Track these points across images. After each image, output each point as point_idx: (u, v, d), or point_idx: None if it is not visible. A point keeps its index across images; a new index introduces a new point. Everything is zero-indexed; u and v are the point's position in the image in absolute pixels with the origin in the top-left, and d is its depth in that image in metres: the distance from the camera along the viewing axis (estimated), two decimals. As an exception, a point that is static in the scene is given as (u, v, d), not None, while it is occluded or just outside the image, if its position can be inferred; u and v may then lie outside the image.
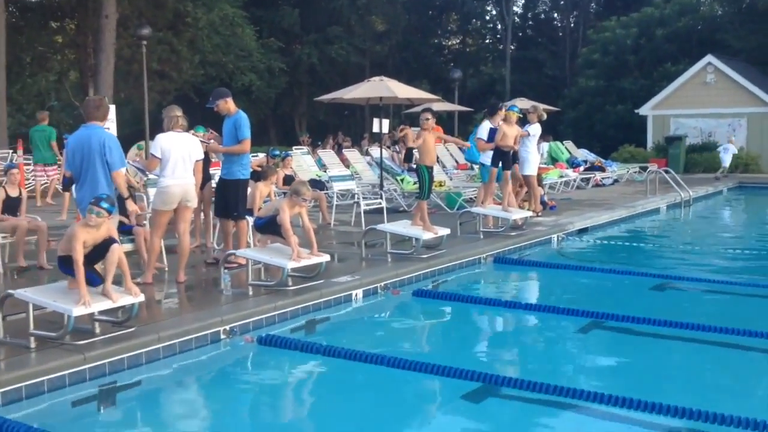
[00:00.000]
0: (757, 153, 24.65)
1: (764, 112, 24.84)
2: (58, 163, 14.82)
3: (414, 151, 16.28)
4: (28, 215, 9.27)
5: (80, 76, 27.98)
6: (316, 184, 13.53)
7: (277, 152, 13.77)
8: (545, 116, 13.10)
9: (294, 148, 22.36)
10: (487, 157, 11.40)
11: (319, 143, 26.51)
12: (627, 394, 5.13)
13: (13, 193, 8.93)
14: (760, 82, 25.74)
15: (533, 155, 12.48)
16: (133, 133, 26.11)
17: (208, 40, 28.27)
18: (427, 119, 9.72)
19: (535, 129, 12.46)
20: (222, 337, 6.49)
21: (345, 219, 12.72)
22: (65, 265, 5.96)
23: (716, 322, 6.89)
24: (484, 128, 11.66)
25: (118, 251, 5.94)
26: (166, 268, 8.50)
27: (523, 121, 12.57)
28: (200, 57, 28.40)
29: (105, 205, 5.94)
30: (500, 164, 11.11)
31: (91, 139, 6.88)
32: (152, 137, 14.15)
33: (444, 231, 9.62)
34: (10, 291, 5.94)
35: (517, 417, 5.26)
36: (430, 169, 9.67)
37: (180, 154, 7.85)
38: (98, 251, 5.95)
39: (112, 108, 19.00)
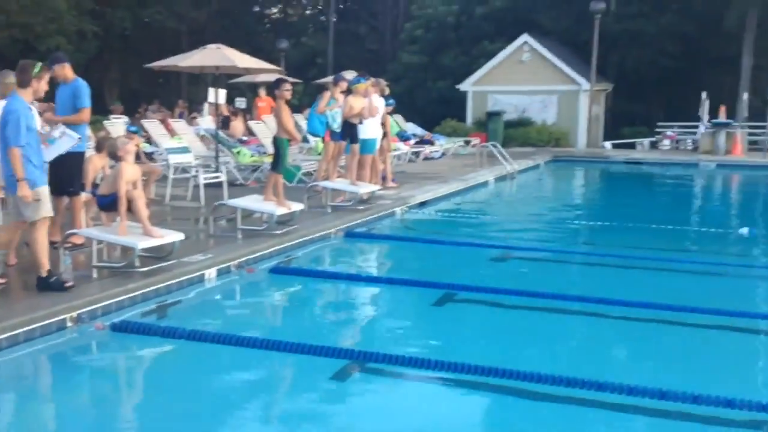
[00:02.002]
0: (567, 128, 26.29)
1: (573, 90, 26.43)
2: None
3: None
4: None
5: None
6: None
7: (134, 128, 13.12)
8: (387, 90, 13.14)
9: (111, 117, 21.03)
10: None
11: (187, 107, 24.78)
12: (496, 364, 5.31)
13: None
14: (570, 61, 27.33)
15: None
16: None
17: (16, 0, 25.84)
18: (288, 90, 9.33)
19: (379, 102, 12.45)
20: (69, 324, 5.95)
21: (180, 194, 12.09)
22: None
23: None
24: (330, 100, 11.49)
25: None
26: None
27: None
28: (5, 18, 25.89)
29: None
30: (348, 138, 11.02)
31: None
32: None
33: (298, 206, 9.38)
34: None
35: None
36: (288, 141, 9.30)
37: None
38: None
39: None
